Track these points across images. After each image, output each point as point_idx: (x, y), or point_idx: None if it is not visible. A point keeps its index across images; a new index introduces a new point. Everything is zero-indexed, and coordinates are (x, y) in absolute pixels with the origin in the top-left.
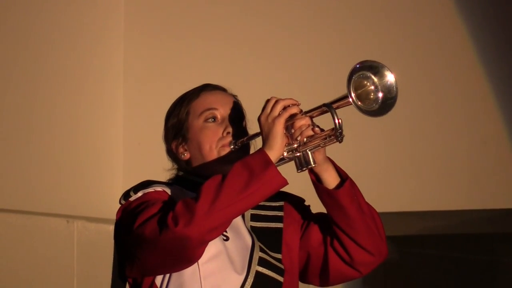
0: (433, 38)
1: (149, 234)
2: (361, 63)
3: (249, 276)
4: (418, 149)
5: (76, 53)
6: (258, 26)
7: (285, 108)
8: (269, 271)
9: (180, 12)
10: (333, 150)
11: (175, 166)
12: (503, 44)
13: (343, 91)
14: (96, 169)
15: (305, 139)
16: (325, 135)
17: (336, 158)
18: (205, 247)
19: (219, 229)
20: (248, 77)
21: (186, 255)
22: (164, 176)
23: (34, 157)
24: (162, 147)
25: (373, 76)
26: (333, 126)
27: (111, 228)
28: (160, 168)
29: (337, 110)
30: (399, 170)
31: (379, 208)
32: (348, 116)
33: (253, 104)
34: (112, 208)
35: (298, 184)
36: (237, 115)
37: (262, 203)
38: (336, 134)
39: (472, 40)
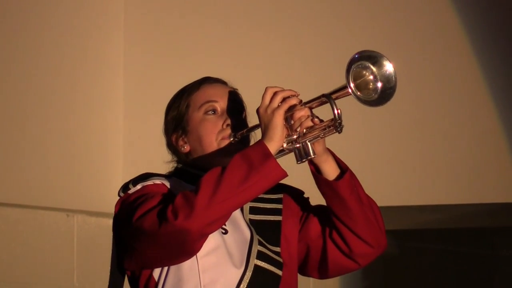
0: (433, 33)
1: (149, 227)
2: (359, 53)
3: (247, 270)
4: (418, 143)
5: (78, 47)
6: (258, 19)
7: (284, 99)
8: (268, 265)
9: (179, 6)
10: (333, 143)
11: (175, 159)
12: (502, 40)
13: (342, 81)
14: (96, 163)
15: (304, 130)
16: (324, 125)
17: (336, 151)
18: (205, 240)
19: (218, 222)
20: (248, 71)
21: (186, 248)
22: (164, 169)
23: (34, 151)
24: (161, 140)
25: (372, 66)
26: (332, 116)
27: (111, 222)
28: (159, 161)
29: (336, 101)
30: (399, 164)
31: (379, 202)
32: (348, 109)
33: (253, 98)
34: (112, 202)
35: (298, 175)
36: (237, 107)
37: (261, 196)
38: (336, 125)
39: (471, 35)
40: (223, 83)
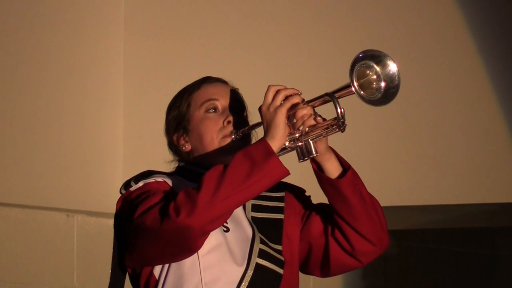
0: (433, 32)
1: (150, 224)
2: (363, 52)
3: (249, 268)
4: (418, 143)
5: (78, 47)
6: (258, 20)
7: (286, 98)
8: (269, 263)
9: (180, 6)
10: (333, 142)
11: (176, 158)
12: (503, 39)
13: (345, 81)
14: (96, 163)
15: (307, 129)
16: (327, 124)
17: (337, 150)
18: (206, 237)
19: (220, 220)
20: (249, 73)
21: (187, 245)
22: (164, 169)
23: (34, 151)
24: (162, 141)
25: (375, 66)
26: (335, 115)
27: (111, 222)
28: (159, 161)
29: (339, 100)
30: (399, 164)
31: (380, 202)
32: (348, 108)
33: (254, 100)
34: (112, 202)
35: (299, 173)
36: (237, 105)
37: (263, 194)
38: (339, 124)
39: (472, 34)
40: (224, 82)
